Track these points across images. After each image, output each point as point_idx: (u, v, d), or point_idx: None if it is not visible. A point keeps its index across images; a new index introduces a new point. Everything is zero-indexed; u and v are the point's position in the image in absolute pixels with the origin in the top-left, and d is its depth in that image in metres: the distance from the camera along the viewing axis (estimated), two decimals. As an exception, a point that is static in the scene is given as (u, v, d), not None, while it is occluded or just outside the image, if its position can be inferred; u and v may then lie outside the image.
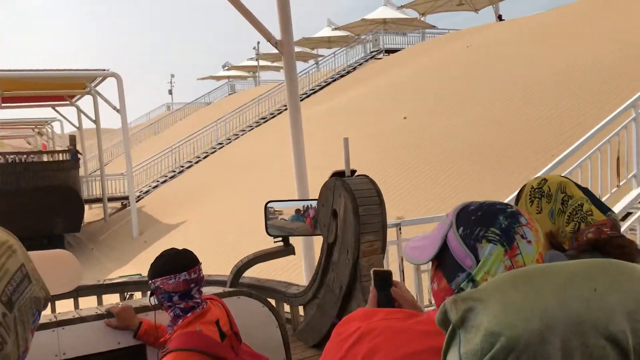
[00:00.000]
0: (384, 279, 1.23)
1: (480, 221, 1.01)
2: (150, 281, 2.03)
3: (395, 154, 12.83)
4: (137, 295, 3.47)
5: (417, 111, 14.84)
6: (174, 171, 23.75)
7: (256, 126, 25.00)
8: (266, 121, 25.07)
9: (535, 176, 1.74)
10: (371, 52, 27.92)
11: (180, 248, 2.11)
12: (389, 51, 27.73)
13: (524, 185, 1.72)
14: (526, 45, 16.78)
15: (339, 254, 2.27)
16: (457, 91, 15.22)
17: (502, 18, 30.77)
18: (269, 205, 2.73)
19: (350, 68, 27.02)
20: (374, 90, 19.75)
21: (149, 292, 2.06)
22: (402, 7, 33.03)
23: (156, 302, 2.06)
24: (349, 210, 2.16)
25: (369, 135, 14.64)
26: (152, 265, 2.05)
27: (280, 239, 2.78)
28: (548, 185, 1.66)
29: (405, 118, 14.51)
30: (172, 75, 56.08)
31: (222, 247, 12.02)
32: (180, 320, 2.00)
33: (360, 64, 27.31)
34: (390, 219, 9.30)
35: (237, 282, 2.96)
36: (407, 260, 1.31)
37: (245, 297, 2.36)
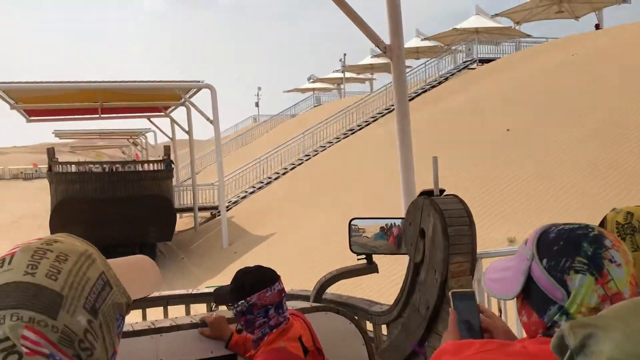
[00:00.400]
0: (465, 301, 1.16)
1: (563, 251, 0.99)
2: (242, 301, 1.98)
3: (498, 168, 12.00)
4: (223, 306, 3.37)
5: (520, 123, 13.92)
6: (262, 182, 23.84)
7: (343, 138, 24.68)
8: (354, 133, 24.71)
9: (614, 209, 1.54)
10: (464, 62, 26.99)
11: (268, 262, 2.15)
12: (483, 61, 26.69)
13: (604, 220, 1.56)
14: (634, 53, 15.45)
15: (426, 274, 2.26)
16: (563, 102, 14.16)
17: (600, 27, 28.96)
18: (352, 222, 2.74)
19: (442, 79, 26.19)
20: (469, 101, 18.90)
21: (235, 312, 2.03)
22: (495, 15, 31.79)
23: (242, 324, 2.04)
24: (437, 230, 2.14)
25: (465, 149, 13.89)
26: (238, 285, 2.02)
27: (363, 256, 2.77)
28: (637, 219, 1.51)
29: (508, 130, 13.63)
30: (259, 88, 57.32)
31: (309, 262, 11.68)
32: (265, 337, 2.00)
33: (452, 74, 26.43)
34: (498, 241, 8.55)
35: (320, 298, 2.95)
36: (489, 294, 1.20)
37: (332, 313, 2.39)
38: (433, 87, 25.78)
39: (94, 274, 0.88)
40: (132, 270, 1.00)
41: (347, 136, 24.66)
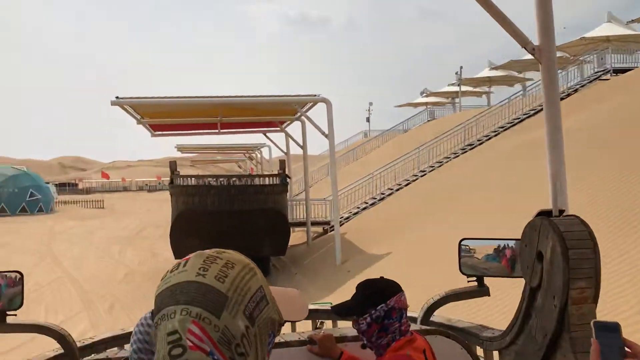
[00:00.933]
0: (608, 332, 1.08)
1: None
2: (382, 305, 2.00)
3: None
4: (328, 324, 3.32)
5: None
6: (374, 198, 23.31)
7: (462, 153, 23.59)
8: (473, 148, 23.55)
9: None
10: (595, 73, 24.95)
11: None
12: (617, 71, 24.52)
13: None
14: None
15: (543, 300, 2.14)
16: None
17: None
18: (462, 242, 2.67)
19: (571, 90, 24.36)
20: (604, 115, 17.25)
21: (369, 320, 2.00)
22: (631, 22, 29.23)
23: (373, 334, 2.01)
24: (557, 253, 2.01)
25: (603, 167, 12.50)
26: (377, 290, 2.04)
27: (474, 278, 2.69)
28: None
29: (660, 145, 12.10)
30: (370, 103, 57.25)
31: (424, 282, 10.95)
32: (393, 343, 1.99)
33: (582, 86, 24.50)
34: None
35: (427, 320, 2.88)
36: None
37: (442, 337, 2.36)
38: (561, 99, 24.04)
39: (255, 285, 0.94)
40: (283, 297, 1.04)
41: (466, 151, 23.56)
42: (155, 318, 0.91)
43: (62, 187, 74.45)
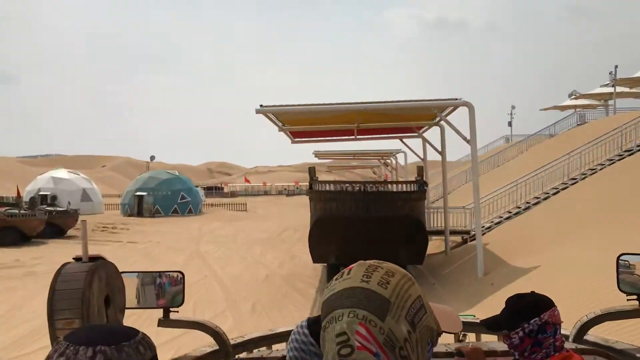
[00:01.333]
0: None
1: None
2: (535, 319, 1.90)
3: None
4: (471, 337, 3.12)
5: None
6: (519, 207, 22.07)
7: (618, 160, 21.58)
8: (632, 154, 21.45)
9: None
10: None
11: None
12: None
13: None
14: None
15: None
16: None
17: None
18: (621, 257, 2.49)
19: None
20: None
21: (521, 334, 1.89)
22: None
23: (526, 348, 1.89)
24: None
25: None
26: (529, 304, 1.94)
27: (634, 297, 2.48)
28: None
29: None
30: (513, 107, 54.63)
31: (577, 299, 10.05)
32: (548, 359, 1.89)
33: None
34: None
35: (580, 339, 2.69)
36: None
37: (600, 358, 2.24)
38: None
39: (415, 293, 0.98)
40: (438, 310, 1.08)
41: (623, 157, 21.51)
42: (324, 322, 0.96)
43: (209, 190, 79.59)
